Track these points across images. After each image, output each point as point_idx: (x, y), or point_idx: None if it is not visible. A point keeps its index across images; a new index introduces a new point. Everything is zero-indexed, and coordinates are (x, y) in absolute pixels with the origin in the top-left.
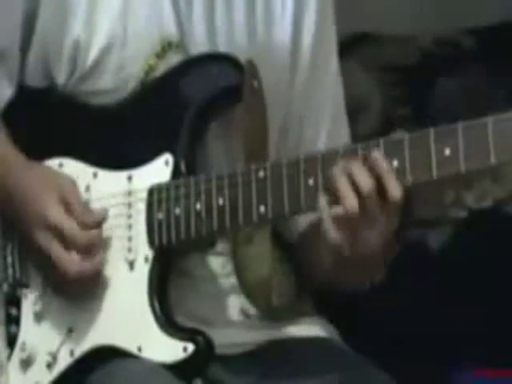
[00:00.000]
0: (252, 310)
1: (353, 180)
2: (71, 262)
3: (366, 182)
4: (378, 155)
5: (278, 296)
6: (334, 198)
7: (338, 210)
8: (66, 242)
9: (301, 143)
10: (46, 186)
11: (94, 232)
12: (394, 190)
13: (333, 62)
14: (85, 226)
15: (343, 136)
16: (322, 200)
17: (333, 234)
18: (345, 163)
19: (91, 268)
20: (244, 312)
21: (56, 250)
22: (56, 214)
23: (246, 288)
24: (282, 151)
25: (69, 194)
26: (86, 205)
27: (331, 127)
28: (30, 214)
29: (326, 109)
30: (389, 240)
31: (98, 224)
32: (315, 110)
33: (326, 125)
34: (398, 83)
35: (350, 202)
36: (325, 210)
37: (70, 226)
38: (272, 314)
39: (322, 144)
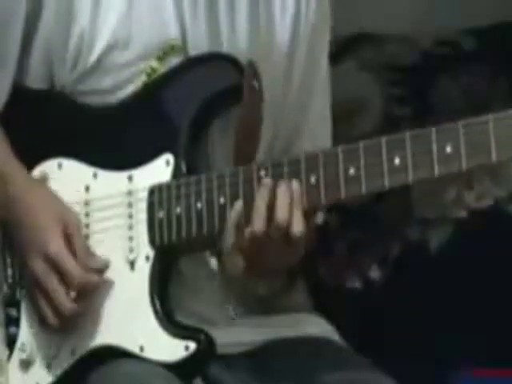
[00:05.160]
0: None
1: (273, 206)
2: (67, 300)
3: (283, 214)
4: (296, 186)
5: (264, 285)
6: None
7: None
8: (64, 279)
9: (288, 145)
10: (49, 214)
11: (95, 278)
12: (297, 227)
13: (324, 62)
14: (86, 268)
15: (325, 137)
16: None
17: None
18: (275, 185)
19: (87, 302)
20: (244, 310)
21: (53, 284)
22: (57, 247)
23: (230, 280)
24: (275, 149)
25: (73, 231)
26: (88, 249)
27: (314, 127)
28: (29, 239)
29: (313, 111)
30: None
31: (99, 272)
32: (303, 112)
33: (308, 124)
34: (398, 83)
35: (259, 224)
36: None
37: (70, 264)
38: (262, 304)
39: (303, 143)
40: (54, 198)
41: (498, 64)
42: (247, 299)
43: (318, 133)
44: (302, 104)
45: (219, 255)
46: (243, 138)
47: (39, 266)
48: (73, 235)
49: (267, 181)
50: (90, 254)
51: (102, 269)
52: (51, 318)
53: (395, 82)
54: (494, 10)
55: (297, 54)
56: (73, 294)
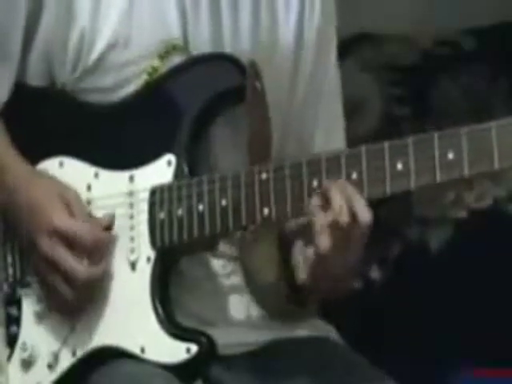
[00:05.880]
0: (253, 310)
1: (350, 205)
2: (80, 268)
3: (364, 212)
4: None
5: (288, 299)
6: (327, 207)
7: (330, 216)
8: (73, 246)
9: (301, 146)
10: (50, 198)
11: (102, 234)
12: (364, 215)
13: (333, 63)
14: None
15: (338, 140)
16: (316, 203)
17: (323, 239)
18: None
19: (99, 272)
20: (245, 312)
21: (62, 255)
22: (61, 217)
23: (257, 292)
24: (282, 153)
25: (73, 204)
26: (90, 214)
27: (326, 131)
28: (34, 222)
29: (323, 112)
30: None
31: (105, 228)
32: (313, 113)
33: (321, 127)
34: (398, 83)
35: (343, 216)
36: (319, 214)
37: (76, 226)
38: (281, 316)
39: (316, 147)
40: (54, 183)
41: (498, 64)
42: (267, 303)
43: (330, 133)
44: (312, 105)
45: (242, 260)
46: (254, 138)
47: (46, 243)
48: (73, 206)
49: (315, 200)
50: (92, 218)
51: (107, 225)
52: (67, 292)
53: (395, 82)
54: (494, 10)
55: (302, 56)
56: (86, 262)
